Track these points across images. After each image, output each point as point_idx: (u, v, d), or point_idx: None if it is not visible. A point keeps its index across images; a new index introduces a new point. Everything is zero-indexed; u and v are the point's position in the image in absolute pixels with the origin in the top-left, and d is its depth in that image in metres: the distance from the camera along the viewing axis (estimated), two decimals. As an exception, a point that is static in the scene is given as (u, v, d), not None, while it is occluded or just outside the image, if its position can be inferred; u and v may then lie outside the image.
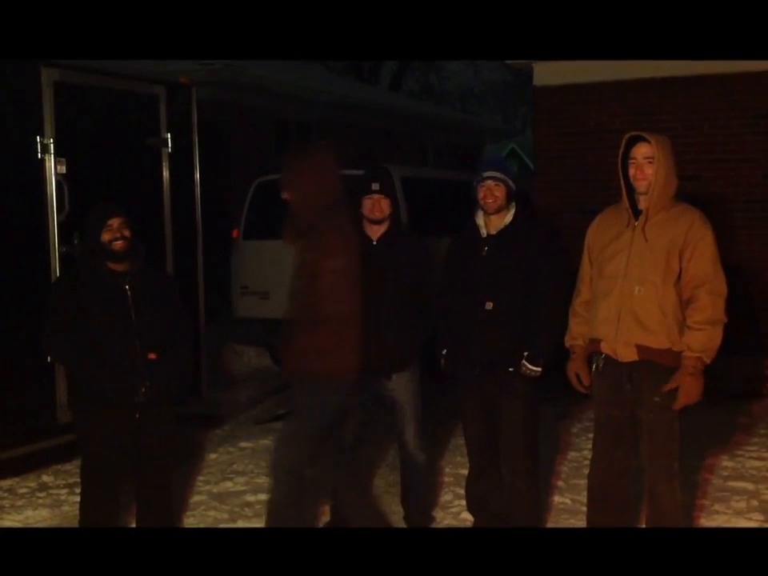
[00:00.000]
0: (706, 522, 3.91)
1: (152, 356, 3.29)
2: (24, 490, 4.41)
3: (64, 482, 4.52)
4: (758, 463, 4.71)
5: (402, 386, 3.67)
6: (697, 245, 3.10)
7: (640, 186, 3.15)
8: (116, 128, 4.92)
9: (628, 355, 3.17)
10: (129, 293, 3.29)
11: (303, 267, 3.27)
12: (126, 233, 3.28)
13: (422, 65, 21.18)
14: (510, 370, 3.46)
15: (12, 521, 4.03)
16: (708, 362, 3.11)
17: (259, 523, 3.97)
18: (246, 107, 10.12)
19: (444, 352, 3.62)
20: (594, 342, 3.28)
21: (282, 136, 10.90)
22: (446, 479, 4.50)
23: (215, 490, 4.44)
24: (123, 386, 3.26)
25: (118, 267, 3.29)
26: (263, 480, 4.58)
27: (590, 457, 3.46)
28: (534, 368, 3.43)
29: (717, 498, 4.19)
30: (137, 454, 3.38)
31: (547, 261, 3.52)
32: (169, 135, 5.16)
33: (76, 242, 4.60)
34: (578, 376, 3.37)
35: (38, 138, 4.48)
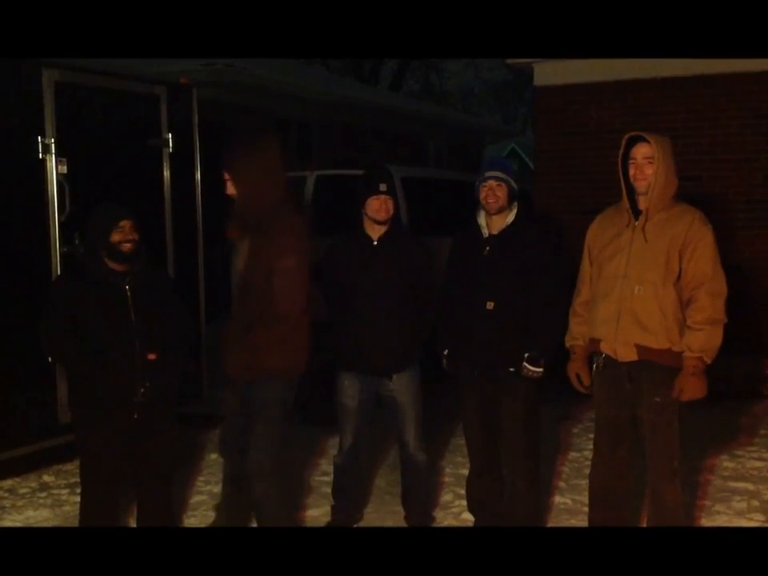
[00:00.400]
0: (707, 522, 3.91)
1: (152, 356, 3.29)
2: (25, 490, 4.41)
3: (65, 482, 4.52)
4: (758, 464, 4.71)
5: (402, 386, 3.67)
6: (697, 245, 3.11)
7: (640, 186, 3.15)
8: (117, 128, 4.92)
9: (628, 355, 3.17)
10: (129, 293, 3.29)
11: (256, 264, 3.34)
12: (136, 236, 3.30)
13: (422, 65, 21.19)
14: (511, 370, 3.47)
15: (13, 521, 4.03)
16: (709, 362, 3.12)
17: (260, 523, 3.98)
18: (246, 107, 10.12)
19: (445, 352, 3.62)
20: (594, 342, 3.28)
21: (282, 136, 10.89)
22: (447, 479, 4.50)
23: (216, 490, 4.43)
24: (122, 386, 3.26)
25: (119, 267, 3.29)
26: (264, 480, 4.59)
27: (590, 457, 3.46)
28: (535, 369, 3.43)
29: (718, 498, 4.19)
30: (136, 454, 3.38)
31: (548, 261, 3.52)
32: (170, 135, 5.16)
33: (77, 241, 4.60)
34: (578, 376, 3.37)
35: (39, 138, 4.48)
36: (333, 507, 3.89)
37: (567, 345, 3.41)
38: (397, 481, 4.08)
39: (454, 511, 4.08)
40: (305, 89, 11.06)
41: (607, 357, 3.24)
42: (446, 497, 4.26)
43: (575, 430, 5.36)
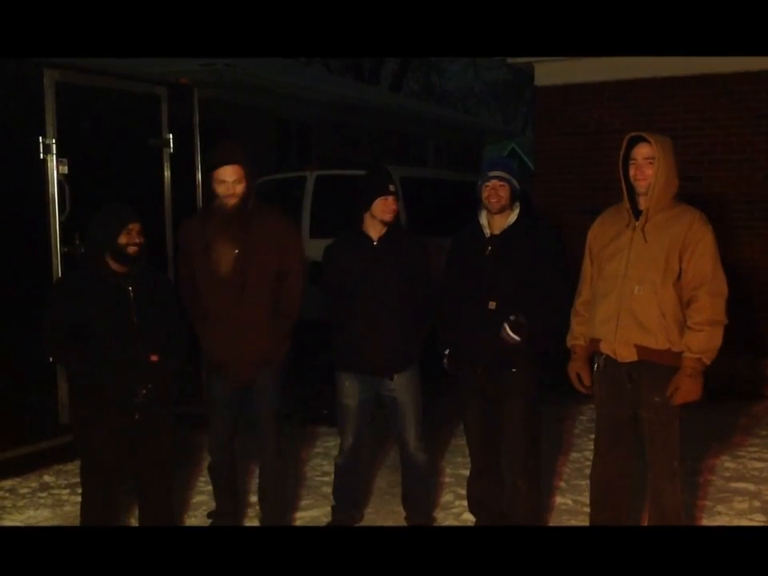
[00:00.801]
0: (708, 522, 3.91)
1: (154, 358, 3.29)
2: (25, 490, 4.41)
3: (66, 482, 4.52)
4: (759, 464, 4.71)
5: (402, 386, 3.67)
6: (697, 245, 3.10)
7: (640, 186, 3.15)
8: (117, 128, 4.93)
9: (627, 355, 3.17)
10: (131, 294, 3.29)
11: (262, 262, 3.51)
12: (142, 240, 3.30)
13: (422, 65, 21.18)
14: (513, 370, 3.46)
15: (13, 521, 4.03)
16: (708, 363, 3.11)
17: (260, 523, 3.98)
18: (247, 107, 10.12)
19: (446, 352, 3.62)
20: (595, 342, 3.28)
21: (282, 136, 10.90)
22: (447, 479, 4.50)
23: (216, 491, 4.44)
24: (124, 387, 3.26)
25: (121, 269, 3.29)
26: (264, 480, 4.59)
27: (591, 457, 3.46)
28: (512, 335, 3.37)
29: (719, 498, 4.19)
30: (136, 454, 3.38)
31: (550, 261, 3.52)
32: (170, 135, 5.16)
33: (77, 242, 4.60)
34: (578, 376, 3.37)
35: (39, 138, 4.49)
36: (333, 507, 3.89)
37: (568, 344, 3.41)
38: (397, 481, 4.07)
39: (455, 511, 4.08)
40: (305, 89, 11.06)
41: (607, 357, 3.24)
42: (446, 497, 4.26)
43: (576, 431, 5.35)
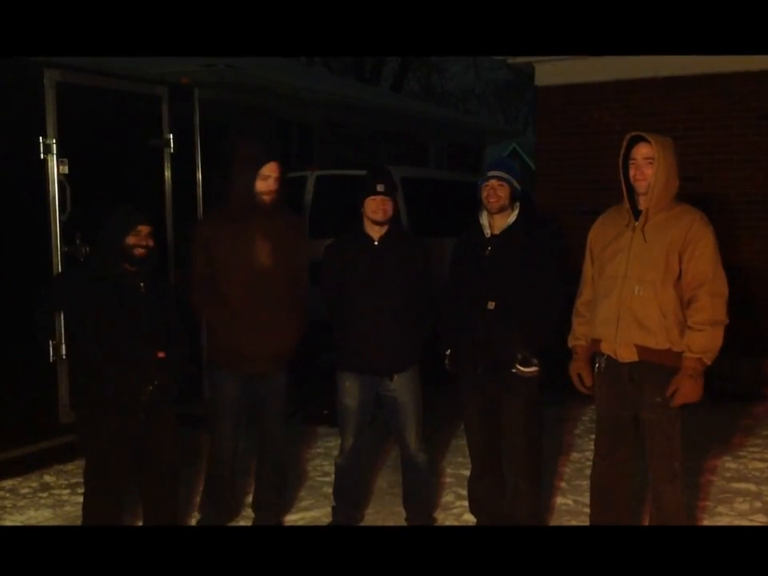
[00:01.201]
0: (709, 523, 3.90)
1: (161, 354, 3.31)
2: (26, 490, 4.41)
3: (66, 482, 4.52)
4: (761, 465, 4.71)
5: (402, 387, 3.67)
6: (697, 245, 3.10)
7: (639, 186, 3.15)
8: (118, 129, 4.93)
9: (628, 356, 3.17)
10: (142, 292, 3.32)
11: (282, 256, 3.59)
12: (151, 243, 3.33)
13: (423, 65, 21.18)
14: (513, 371, 3.46)
15: (14, 521, 4.03)
16: (708, 363, 3.11)
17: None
18: (247, 108, 10.12)
19: (447, 352, 3.62)
20: (596, 343, 3.28)
21: (283, 136, 10.90)
22: (448, 480, 4.50)
23: (217, 491, 4.43)
24: (131, 385, 3.27)
25: (131, 269, 3.32)
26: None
27: (592, 458, 3.45)
28: (527, 369, 3.42)
29: (720, 499, 4.18)
30: (141, 454, 3.38)
31: (550, 261, 3.52)
32: (171, 136, 5.17)
33: (78, 241, 4.60)
34: (579, 376, 3.37)
35: (40, 138, 4.49)
36: (334, 508, 3.88)
37: (570, 345, 3.41)
38: (398, 482, 4.07)
39: (456, 512, 4.07)
40: (306, 89, 11.05)
41: (608, 357, 3.24)
42: (447, 497, 4.26)
43: (577, 431, 5.35)
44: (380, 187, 3.57)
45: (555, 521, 3.97)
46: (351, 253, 3.67)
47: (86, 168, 4.68)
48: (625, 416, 3.24)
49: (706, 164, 6.42)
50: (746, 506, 4.09)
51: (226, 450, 3.71)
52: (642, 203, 3.17)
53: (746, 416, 5.70)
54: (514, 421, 3.49)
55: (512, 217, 3.53)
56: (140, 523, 3.62)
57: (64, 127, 4.57)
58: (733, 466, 4.69)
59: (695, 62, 6.06)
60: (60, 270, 4.54)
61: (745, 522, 3.91)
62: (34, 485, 4.49)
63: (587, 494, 3.47)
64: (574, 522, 3.90)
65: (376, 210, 3.58)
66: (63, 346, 4.59)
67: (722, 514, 4.00)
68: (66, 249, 4.59)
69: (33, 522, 4.03)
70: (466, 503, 3.88)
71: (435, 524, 3.92)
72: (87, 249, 4.63)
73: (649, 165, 3.11)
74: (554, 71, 6.83)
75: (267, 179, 3.52)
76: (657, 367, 3.14)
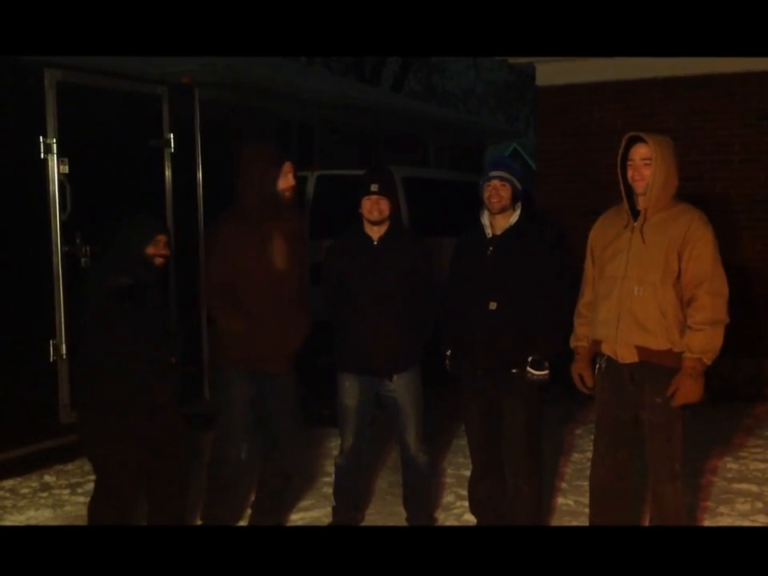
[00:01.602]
0: (710, 523, 3.90)
1: (173, 360, 3.38)
2: (26, 490, 4.41)
3: (66, 482, 4.52)
4: (762, 465, 4.70)
5: (402, 387, 3.66)
6: (696, 244, 3.09)
7: (637, 187, 3.14)
8: (118, 128, 4.92)
9: (628, 356, 3.16)
10: (158, 297, 3.38)
11: (293, 256, 3.60)
12: (168, 251, 3.38)
13: (424, 65, 21.17)
14: (514, 371, 3.45)
15: (14, 521, 4.03)
16: (708, 363, 3.10)
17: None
18: (248, 107, 10.11)
19: (448, 353, 3.61)
20: (596, 344, 3.27)
21: (284, 136, 10.89)
22: (449, 480, 4.49)
23: (217, 491, 4.43)
24: (149, 390, 3.30)
25: (148, 274, 3.36)
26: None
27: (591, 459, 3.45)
28: (539, 372, 3.42)
29: (721, 500, 4.18)
30: (154, 457, 3.38)
31: (552, 262, 3.51)
32: (171, 136, 5.16)
33: (78, 241, 4.60)
34: (581, 377, 3.36)
35: (40, 138, 4.49)
36: (334, 508, 3.88)
37: (571, 345, 3.40)
38: (398, 482, 4.06)
39: (456, 512, 4.07)
40: (306, 89, 11.05)
41: (609, 358, 3.23)
42: (447, 498, 4.25)
43: (578, 431, 5.35)
44: (374, 187, 3.57)
45: (556, 521, 3.96)
46: (351, 253, 3.67)
47: (86, 168, 4.67)
48: (625, 417, 3.23)
49: (707, 164, 6.41)
50: (747, 507, 4.08)
51: (233, 451, 3.69)
52: (641, 203, 3.17)
53: (747, 416, 5.69)
54: (514, 421, 3.49)
55: (514, 217, 3.52)
56: (143, 522, 3.61)
57: (64, 127, 4.57)
58: (734, 466, 4.68)
59: (696, 62, 6.06)
60: (59, 274, 4.52)
61: (746, 523, 3.90)
62: (35, 485, 4.49)
63: (588, 495, 3.46)
64: (574, 523, 3.90)
65: (371, 209, 3.58)
66: (63, 345, 4.59)
67: (723, 515, 3.99)
68: (67, 248, 4.59)
69: (33, 522, 4.03)
70: (466, 503, 3.87)
71: (436, 524, 3.91)
72: (88, 248, 4.63)
73: (646, 165, 3.10)
74: (554, 72, 6.83)
75: (287, 175, 3.57)
76: (657, 368, 3.14)
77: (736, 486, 4.38)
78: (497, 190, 3.47)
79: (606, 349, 3.22)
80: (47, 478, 4.59)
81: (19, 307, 4.43)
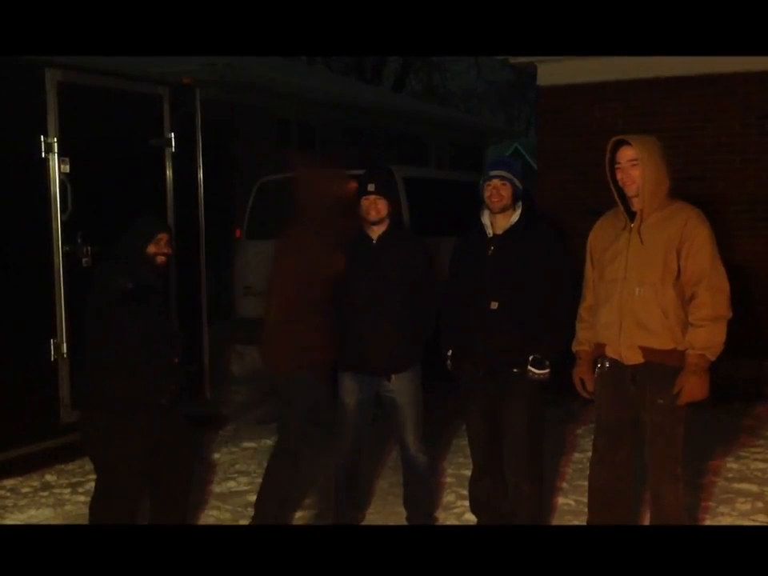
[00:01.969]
0: (711, 523, 3.90)
1: (176, 360, 3.39)
2: (27, 490, 4.41)
3: (67, 482, 4.52)
4: (762, 465, 4.70)
5: (401, 387, 3.66)
6: (693, 241, 3.08)
7: (629, 189, 3.14)
8: (119, 128, 4.93)
9: (633, 358, 3.15)
10: (160, 297, 3.38)
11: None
12: (170, 250, 3.39)
13: (425, 65, 21.17)
14: (515, 371, 3.45)
15: (15, 520, 4.03)
16: (712, 358, 3.09)
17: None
18: (248, 107, 10.13)
19: (449, 352, 3.61)
20: (600, 347, 3.26)
21: (284, 136, 10.90)
22: (449, 480, 4.49)
23: (218, 490, 4.44)
24: (154, 390, 3.31)
25: (150, 273, 3.37)
26: (266, 480, 4.58)
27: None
28: (540, 371, 3.42)
29: (722, 499, 4.17)
30: (157, 456, 3.38)
31: (552, 261, 3.51)
32: (172, 135, 5.17)
33: (79, 240, 4.60)
34: (582, 381, 3.36)
35: (41, 137, 4.49)
36: (334, 507, 3.87)
37: (573, 350, 3.40)
38: (399, 482, 4.06)
39: (456, 512, 4.07)
40: (307, 89, 11.06)
41: (613, 360, 3.22)
42: (448, 497, 4.25)
43: (578, 431, 5.34)
44: (371, 186, 3.58)
45: (556, 520, 3.96)
46: (350, 252, 3.67)
47: (87, 167, 4.68)
48: (625, 417, 3.23)
49: (709, 164, 6.41)
50: (747, 507, 4.08)
51: (352, 453, 3.78)
52: (636, 205, 3.16)
53: (748, 417, 5.68)
54: (515, 421, 3.49)
55: (514, 216, 3.52)
56: (144, 522, 3.61)
57: (65, 126, 4.57)
58: (735, 466, 4.68)
59: (697, 62, 6.05)
60: (60, 274, 4.53)
61: (746, 522, 3.90)
62: (35, 484, 4.49)
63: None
64: (575, 522, 3.90)
65: (368, 209, 3.59)
66: (64, 344, 4.59)
67: (724, 514, 3.99)
68: (67, 248, 4.59)
69: (34, 522, 4.03)
70: (466, 503, 3.87)
71: (436, 524, 3.91)
72: (89, 248, 4.63)
73: (634, 167, 3.10)
74: (556, 71, 6.82)
75: (348, 186, 3.62)
76: (660, 368, 3.13)
77: (736, 485, 4.38)
78: (497, 189, 3.46)
79: (609, 352, 3.21)
80: (48, 478, 4.59)
81: (20, 307, 4.43)
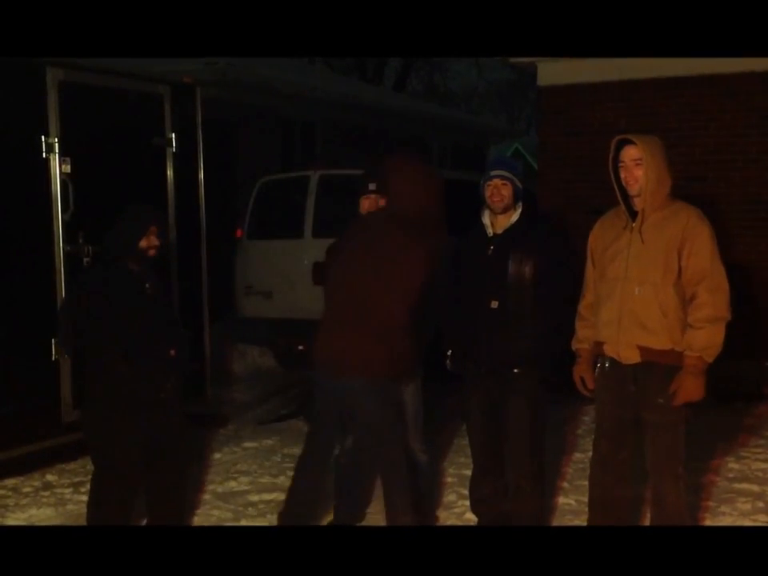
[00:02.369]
0: (712, 523, 3.90)
1: (173, 352, 3.33)
2: (28, 489, 4.41)
3: (68, 481, 4.52)
4: (763, 465, 4.70)
5: (402, 387, 3.65)
6: (694, 242, 3.08)
7: (631, 189, 3.14)
8: (121, 128, 4.93)
9: (631, 357, 3.15)
10: (148, 291, 3.34)
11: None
12: (159, 241, 3.36)
13: (426, 65, 21.17)
14: (516, 371, 3.45)
15: (16, 519, 4.03)
16: (710, 360, 3.09)
17: (263, 522, 3.98)
18: (250, 106, 10.12)
19: (449, 353, 3.61)
20: (599, 345, 3.27)
21: (286, 135, 10.90)
22: (450, 480, 4.49)
23: (219, 490, 4.44)
24: (151, 384, 3.29)
25: (137, 267, 3.33)
26: (267, 480, 4.58)
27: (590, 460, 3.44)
28: (541, 372, 3.42)
29: (723, 499, 4.17)
30: (152, 452, 3.38)
31: (551, 261, 3.50)
32: (173, 135, 5.16)
33: (81, 240, 4.60)
34: (582, 380, 3.36)
35: (42, 137, 4.49)
36: (335, 507, 3.88)
37: (573, 348, 3.40)
38: (400, 481, 4.06)
39: (457, 511, 4.07)
40: (308, 88, 11.05)
41: (613, 360, 3.22)
42: (449, 497, 4.25)
43: (579, 431, 5.34)
44: (372, 186, 3.58)
45: (557, 520, 3.96)
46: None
47: (88, 167, 4.68)
48: (626, 417, 3.22)
49: (711, 164, 6.40)
50: (748, 506, 4.08)
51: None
52: (637, 204, 3.16)
53: (749, 416, 5.68)
54: (516, 421, 3.48)
55: (514, 216, 3.52)
56: (144, 522, 3.61)
57: (66, 126, 4.57)
58: (736, 466, 4.68)
59: (699, 62, 6.05)
60: (61, 273, 4.53)
61: (747, 522, 3.90)
62: (37, 483, 4.49)
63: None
64: (576, 522, 3.90)
65: (369, 208, 3.59)
66: (65, 344, 4.59)
67: (725, 514, 3.99)
68: (69, 248, 4.59)
69: (35, 521, 4.03)
70: (467, 503, 3.87)
71: (437, 523, 3.91)
72: (90, 248, 4.63)
73: (637, 166, 3.10)
74: (556, 71, 6.82)
75: (437, 192, 3.51)
76: (660, 367, 3.13)
77: (737, 485, 4.38)
78: (498, 189, 3.47)
79: (608, 350, 3.22)
80: (49, 477, 4.59)
81: (21, 306, 4.43)
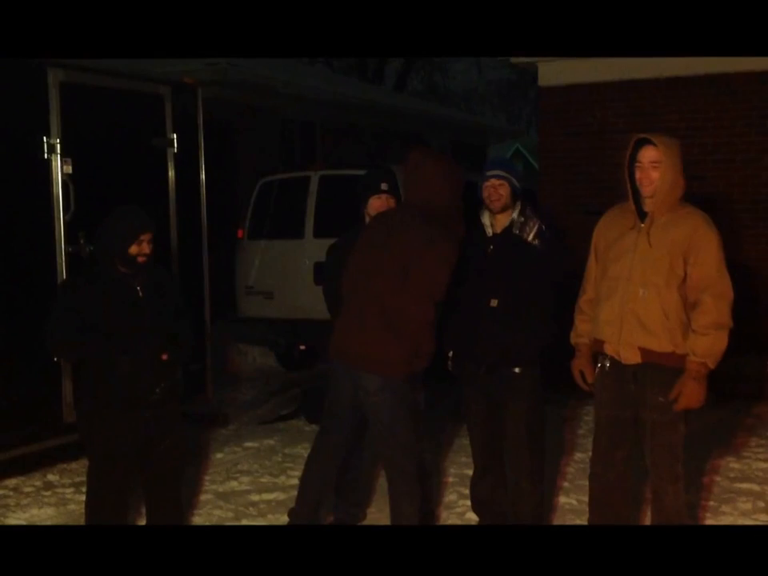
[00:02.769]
0: (712, 522, 3.90)
1: (164, 357, 3.32)
2: (29, 489, 4.42)
3: (69, 481, 4.53)
4: (764, 464, 4.70)
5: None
6: (701, 248, 3.08)
7: (645, 190, 3.13)
8: (122, 128, 4.93)
9: (631, 358, 3.15)
10: (140, 293, 3.32)
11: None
12: (151, 249, 3.31)
13: (426, 65, 21.17)
14: (516, 370, 3.46)
15: (17, 519, 4.04)
16: (712, 366, 3.08)
17: (263, 522, 3.99)
18: (251, 107, 10.13)
19: (450, 354, 3.61)
20: (598, 343, 3.27)
21: (286, 135, 10.90)
22: (451, 479, 4.50)
23: (220, 490, 4.45)
24: (141, 386, 3.28)
25: (129, 270, 3.32)
26: (268, 480, 4.59)
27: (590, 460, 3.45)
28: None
29: (723, 499, 4.18)
30: (147, 453, 3.38)
31: (549, 260, 3.51)
32: (174, 135, 5.16)
33: (82, 241, 4.61)
34: (582, 373, 3.36)
35: (44, 138, 4.49)
36: (335, 506, 3.88)
37: (572, 342, 3.40)
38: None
39: (458, 511, 4.07)
40: (309, 88, 11.06)
41: (612, 359, 3.23)
42: (449, 497, 4.26)
43: (580, 431, 5.35)
44: (384, 186, 3.58)
45: (558, 520, 3.97)
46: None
47: (89, 168, 4.68)
48: (625, 416, 3.23)
49: (710, 163, 6.41)
50: (749, 506, 4.09)
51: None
52: (648, 206, 3.15)
53: (750, 416, 5.69)
54: (517, 420, 3.49)
55: (514, 215, 3.53)
56: (143, 522, 3.62)
57: (67, 127, 4.57)
58: (736, 465, 4.68)
59: (698, 62, 6.05)
60: (63, 274, 4.53)
61: (748, 522, 3.90)
62: (38, 483, 4.50)
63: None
64: (577, 522, 3.90)
65: (380, 209, 3.58)
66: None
67: (726, 514, 4.00)
68: (70, 249, 4.60)
69: (36, 521, 4.04)
70: (468, 502, 3.87)
71: (437, 523, 3.91)
72: (91, 249, 4.64)
73: (655, 168, 3.08)
74: (557, 71, 6.83)
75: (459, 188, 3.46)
76: (660, 368, 3.13)
77: (738, 485, 4.38)
78: (495, 188, 3.48)
79: (608, 349, 3.22)
80: (50, 477, 4.60)
81: (22, 306, 4.44)
